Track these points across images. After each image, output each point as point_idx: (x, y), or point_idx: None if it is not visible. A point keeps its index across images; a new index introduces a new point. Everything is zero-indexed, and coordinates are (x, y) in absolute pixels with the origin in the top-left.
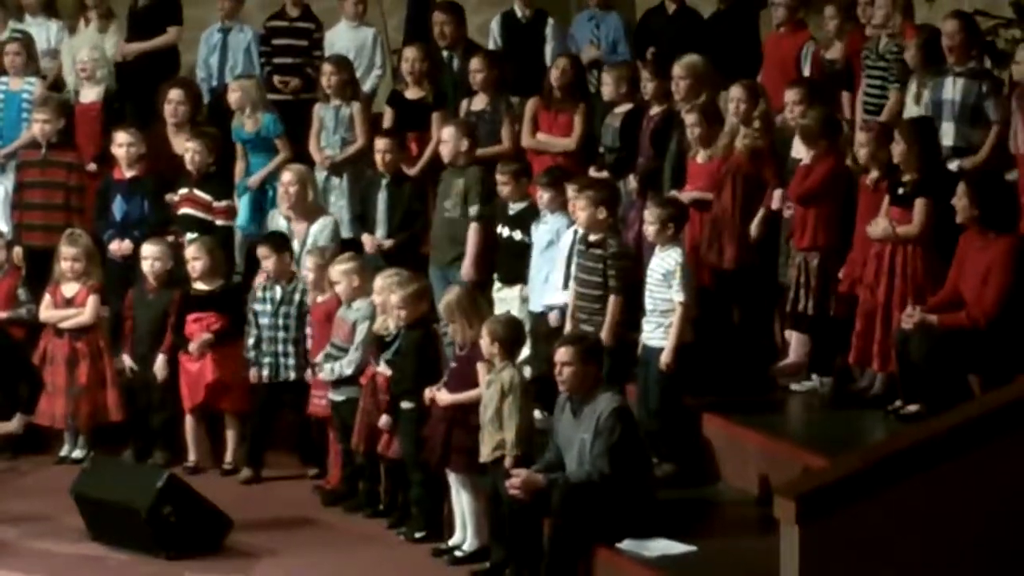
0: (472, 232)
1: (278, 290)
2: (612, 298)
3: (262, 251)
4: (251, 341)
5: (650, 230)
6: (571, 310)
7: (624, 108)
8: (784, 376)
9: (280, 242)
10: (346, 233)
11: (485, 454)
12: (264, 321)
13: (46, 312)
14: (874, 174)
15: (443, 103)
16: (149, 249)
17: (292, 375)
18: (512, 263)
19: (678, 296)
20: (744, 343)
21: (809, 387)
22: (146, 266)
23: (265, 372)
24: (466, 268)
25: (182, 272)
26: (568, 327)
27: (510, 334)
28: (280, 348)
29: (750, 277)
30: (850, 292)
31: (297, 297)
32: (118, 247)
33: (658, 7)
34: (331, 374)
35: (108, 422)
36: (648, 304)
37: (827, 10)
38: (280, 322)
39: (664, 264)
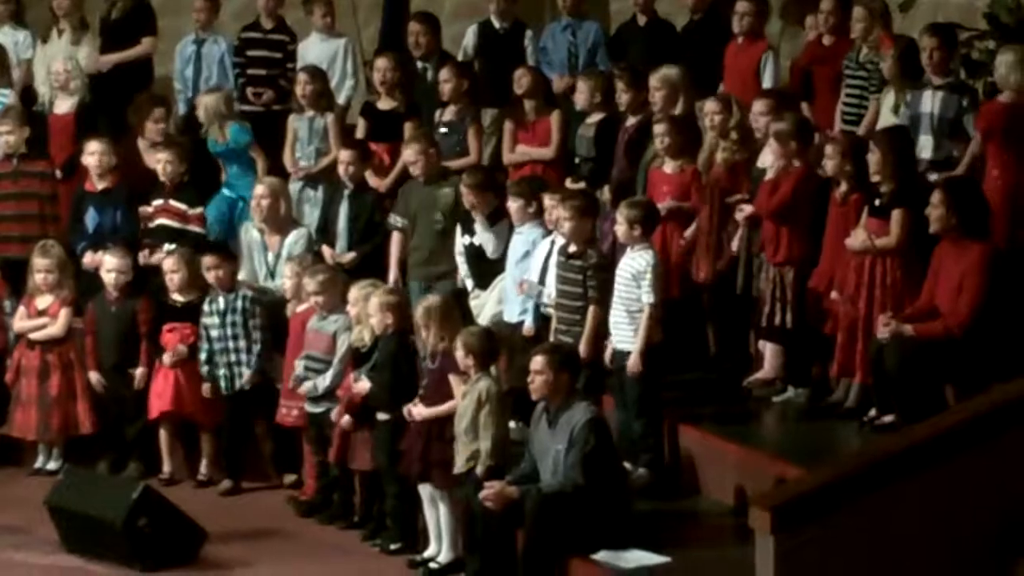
0: None
1: (221, 301)
2: (591, 308)
3: (210, 261)
4: (203, 356)
5: (620, 230)
6: (553, 321)
7: (597, 118)
8: (759, 387)
9: (228, 253)
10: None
11: (459, 464)
12: (214, 334)
13: (19, 323)
14: (843, 187)
15: (416, 113)
16: (113, 261)
17: (248, 384)
18: (486, 269)
19: (647, 297)
20: (719, 355)
21: (784, 398)
22: (109, 278)
23: (222, 384)
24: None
25: (156, 282)
26: (551, 338)
27: (484, 346)
28: (232, 358)
29: (725, 289)
30: (817, 306)
31: (239, 304)
32: (91, 259)
33: (630, 20)
34: (315, 391)
35: (79, 434)
36: (617, 306)
37: (808, 20)
38: (228, 332)
39: (634, 265)
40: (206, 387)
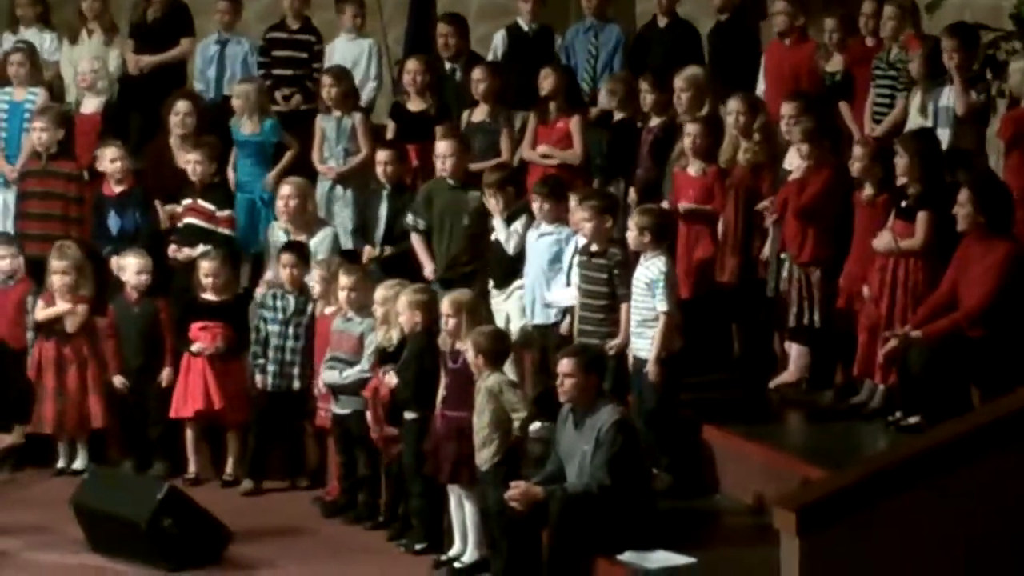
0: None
1: (291, 300)
2: (624, 305)
3: (287, 258)
4: (257, 349)
5: (631, 236)
6: (576, 322)
7: (616, 119)
8: (783, 387)
9: (304, 252)
10: (348, 245)
11: (484, 458)
12: (272, 329)
13: (39, 313)
14: (869, 190)
15: (445, 115)
16: (136, 263)
17: (296, 385)
18: (507, 267)
19: (661, 306)
20: (744, 355)
21: (809, 398)
22: (136, 280)
23: (269, 380)
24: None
25: (179, 280)
26: (575, 339)
27: (494, 346)
28: (287, 358)
29: (750, 290)
30: (847, 307)
31: (309, 308)
32: (116, 263)
33: (651, 21)
34: (339, 378)
35: (93, 428)
36: (634, 315)
37: (827, 23)
38: (290, 331)
39: (648, 273)
40: (259, 379)
